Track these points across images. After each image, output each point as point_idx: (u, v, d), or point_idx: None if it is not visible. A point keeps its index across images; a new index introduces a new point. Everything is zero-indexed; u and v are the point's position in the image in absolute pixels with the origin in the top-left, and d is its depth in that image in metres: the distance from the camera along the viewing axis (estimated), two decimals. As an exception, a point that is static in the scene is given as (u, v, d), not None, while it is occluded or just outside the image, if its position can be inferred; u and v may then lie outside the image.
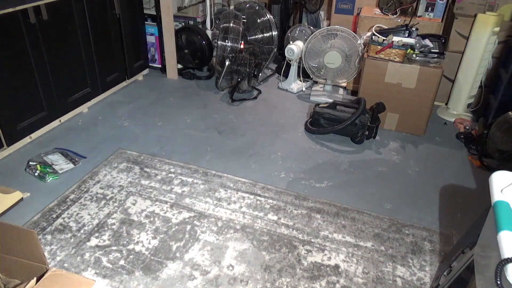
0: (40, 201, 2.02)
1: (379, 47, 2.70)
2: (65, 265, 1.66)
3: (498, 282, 0.80)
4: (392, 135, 2.85)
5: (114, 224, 1.89)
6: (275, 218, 1.98)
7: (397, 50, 2.65)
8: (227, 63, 3.29)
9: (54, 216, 1.92)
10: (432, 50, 2.68)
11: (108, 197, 2.06)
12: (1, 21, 2.11)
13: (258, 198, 2.12)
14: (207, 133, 2.73)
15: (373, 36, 2.76)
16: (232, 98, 3.19)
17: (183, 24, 3.67)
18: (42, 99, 2.48)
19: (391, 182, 2.32)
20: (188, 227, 1.89)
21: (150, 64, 3.61)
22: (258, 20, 3.55)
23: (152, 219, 1.93)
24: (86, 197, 2.05)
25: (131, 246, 1.77)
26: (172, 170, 2.30)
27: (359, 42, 3.00)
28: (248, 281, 1.63)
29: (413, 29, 2.84)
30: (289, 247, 1.81)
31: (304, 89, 3.45)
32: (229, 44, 3.27)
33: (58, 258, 1.69)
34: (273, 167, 2.40)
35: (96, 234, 1.82)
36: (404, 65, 2.65)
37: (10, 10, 2.13)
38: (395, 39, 2.69)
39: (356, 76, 3.19)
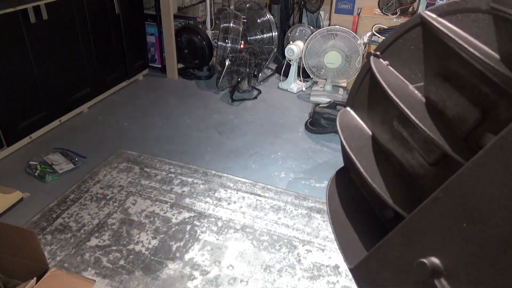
0: (40, 201, 2.01)
1: (379, 47, 2.70)
2: (65, 265, 1.66)
3: None
4: (392, 135, 2.84)
5: (114, 224, 1.89)
6: (275, 218, 1.98)
7: (397, 50, 2.65)
8: (227, 63, 3.29)
9: (54, 216, 1.92)
10: (432, 50, 2.68)
11: (108, 197, 2.06)
12: (1, 21, 2.11)
13: (258, 198, 2.11)
14: (207, 133, 2.73)
15: (373, 36, 2.76)
16: (232, 98, 3.19)
17: (183, 24, 3.67)
18: (42, 99, 2.48)
19: (391, 182, 2.32)
20: (188, 227, 1.89)
21: (150, 64, 3.61)
22: (258, 20, 3.55)
23: (152, 219, 1.93)
24: (86, 197, 2.05)
25: (131, 246, 1.77)
26: (172, 170, 2.30)
27: (359, 42, 3.00)
28: (248, 281, 1.63)
29: (413, 29, 2.84)
30: (289, 247, 1.81)
31: (304, 89, 3.45)
32: (229, 44, 3.27)
33: (58, 258, 1.69)
34: (273, 167, 2.40)
35: (96, 234, 1.82)
36: (404, 65, 2.65)
37: (10, 10, 2.14)
38: (395, 39, 2.68)
39: (356, 76, 3.19)
